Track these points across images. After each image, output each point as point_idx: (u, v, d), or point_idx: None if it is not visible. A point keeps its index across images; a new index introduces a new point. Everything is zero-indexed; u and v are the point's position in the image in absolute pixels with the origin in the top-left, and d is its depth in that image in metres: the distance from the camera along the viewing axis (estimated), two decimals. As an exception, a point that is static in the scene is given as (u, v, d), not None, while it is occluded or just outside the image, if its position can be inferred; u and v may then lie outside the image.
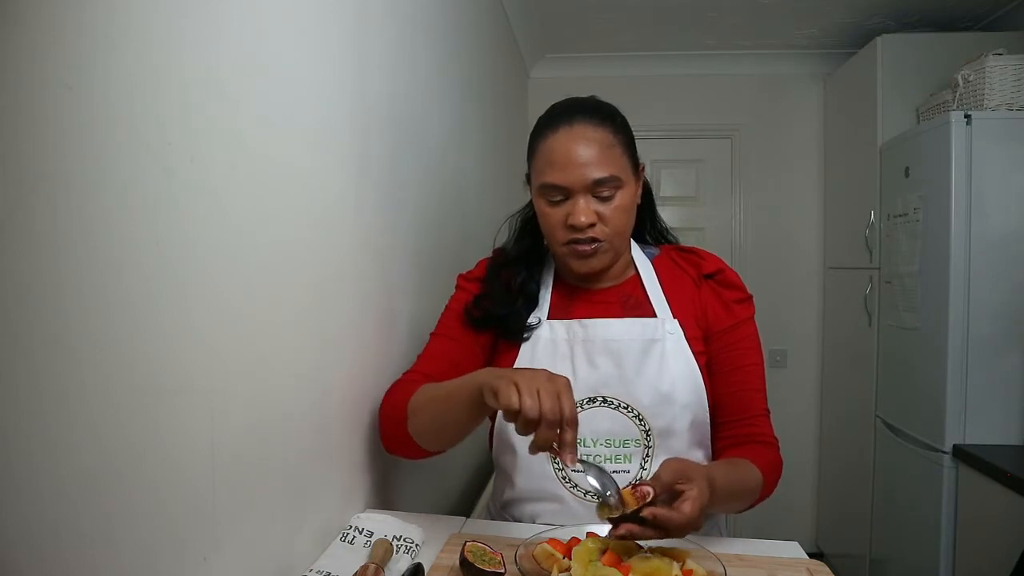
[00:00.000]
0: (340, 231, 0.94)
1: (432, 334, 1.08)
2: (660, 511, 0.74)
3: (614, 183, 0.94)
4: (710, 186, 3.19)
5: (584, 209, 0.93)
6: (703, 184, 3.20)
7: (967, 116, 2.01)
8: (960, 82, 2.11)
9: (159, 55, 0.54)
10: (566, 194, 0.94)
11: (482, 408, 0.80)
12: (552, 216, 0.96)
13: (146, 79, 0.53)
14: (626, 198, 0.96)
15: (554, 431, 0.72)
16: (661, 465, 0.79)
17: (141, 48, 0.52)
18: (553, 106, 1.02)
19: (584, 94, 1.06)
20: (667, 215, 3.55)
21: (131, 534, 0.52)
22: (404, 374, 1.04)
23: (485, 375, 0.79)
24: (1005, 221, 2.01)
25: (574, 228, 0.94)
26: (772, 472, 0.95)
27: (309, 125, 0.84)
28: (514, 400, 0.71)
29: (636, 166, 1.00)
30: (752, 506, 0.95)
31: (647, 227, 1.15)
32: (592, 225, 0.94)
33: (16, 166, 0.41)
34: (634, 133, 1.02)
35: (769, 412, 1.02)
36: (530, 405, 0.70)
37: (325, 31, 0.88)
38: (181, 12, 0.57)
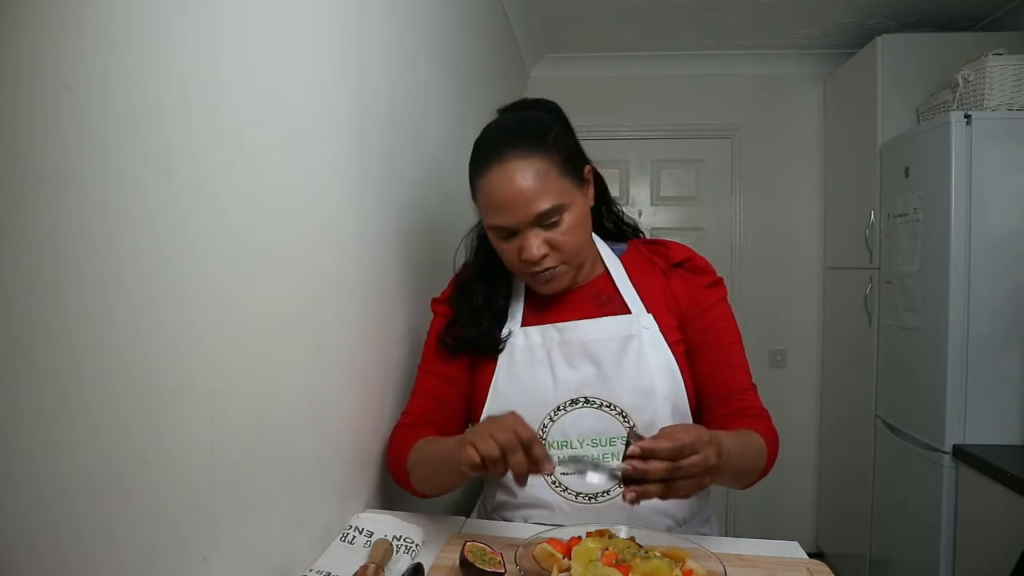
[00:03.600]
0: (340, 231, 0.94)
1: (419, 367, 1.10)
2: (647, 443, 0.74)
3: (557, 211, 0.93)
4: (710, 186, 3.19)
5: (533, 243, 0.93)
6: (703, 184, 3.20)
7: (967, 116, 2.01)
8: (960, 82, 2.11)
9: (159, 55, 0.54)
10: (513, 231, 0.95)
11: (466, 476, 0.86)
12: (506, 251, 0.98)
13: (146, 79, 0.53)
14: (574, 217, 0.95)
15: (521, 456, 0.77)
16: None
17: (141, 48, 0.52)
18: (483, 135, 0.99)
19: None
20: (667, 215, 3.55)
21: (131, 534, 0.52)
22: (402, 416, 1.08)
23: (456, 450, 0.83)
24: (1005, 221, 2.01)
25: (528, 262, 0.95)
26: (772, 441, 0.96)
27: (309, 125, 0.84)
28: (474, 455, 0.77)
29: (579, 175, 0.98)
30: (757, 480, 0.95)
31: (603, 216, 1.12)
32: (545, 256, 0.95)
33: (16, 166, 0.41)
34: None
35: (755, 387, 1.02)
36: (487, 448, 0.77)
37: (325, 31, 0.88)
38: (181, 12, 0.57)
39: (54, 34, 0.44)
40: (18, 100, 0.41)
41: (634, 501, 0.75)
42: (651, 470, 0.73)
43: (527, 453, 0.77)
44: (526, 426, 0.79)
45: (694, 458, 0.74)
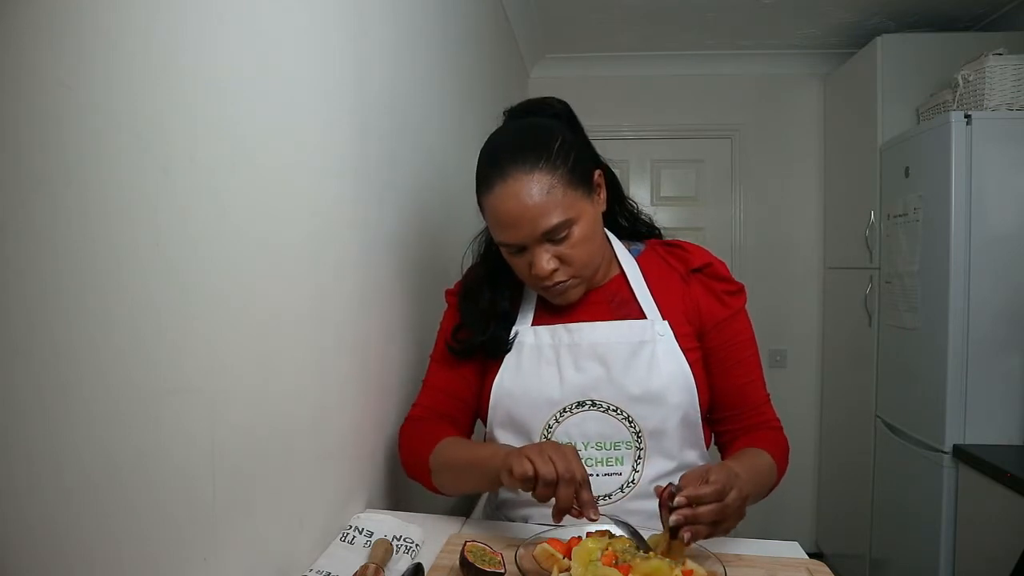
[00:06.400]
0: (340, 231, 0.94)
1: (431, 357, 1.10)
2: (691, 491, 0.76)
3: (565, 226, 0.90)
4: (710, 186, 3.19)
5: (542, 259, 0.91)
6: (703, 184, 3.20)
7: (967, 116, 2.01)
8: (960, 82, 2.11)
9: (159, 55, 0.54)
10: (521, 247, 0.93)
11: (499, 484, 0.86)
12: (518, 266, 0.96)
13: (146, 79, 0.53)
14: (584, 229, 0.92)
15: (572, 491, 0.78)
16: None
17: (141, 48, 0.52)
18: (485, 147, 0.97)
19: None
20: (667, 215, 3.55)
21: (131, 534, 0.52)
22: (412, 408, 1.08)
23: (501, 459, 0.83)
24: (1005, 221, 2.01)
25: (538, 277, 0.94)
26: (783, 454, 0.99)
27: (309, 125, 0.84)
28: (528, 468, 0.78)
29: (588, 183, 0.94)
30: (767, 495, 0.96)
31: (617, 214, 1.10)
32: (555, 270, 0.93)
33: (16, 166, 0.41)
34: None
35: (770, 397, 1.04)
36: (546, 469, 0.77)
37: (325, 31, 0.88)
38: (181, 12, 0.57)
39: (54, 34, 0.44)
40: (18, 100, 0.41)
41: (688, 542, 0.76)
42: (702, 514, 0.75)
43: (576, 492, 0.78)
44: (582, 464, 0.80)
45: (733, 494, 0.77)
